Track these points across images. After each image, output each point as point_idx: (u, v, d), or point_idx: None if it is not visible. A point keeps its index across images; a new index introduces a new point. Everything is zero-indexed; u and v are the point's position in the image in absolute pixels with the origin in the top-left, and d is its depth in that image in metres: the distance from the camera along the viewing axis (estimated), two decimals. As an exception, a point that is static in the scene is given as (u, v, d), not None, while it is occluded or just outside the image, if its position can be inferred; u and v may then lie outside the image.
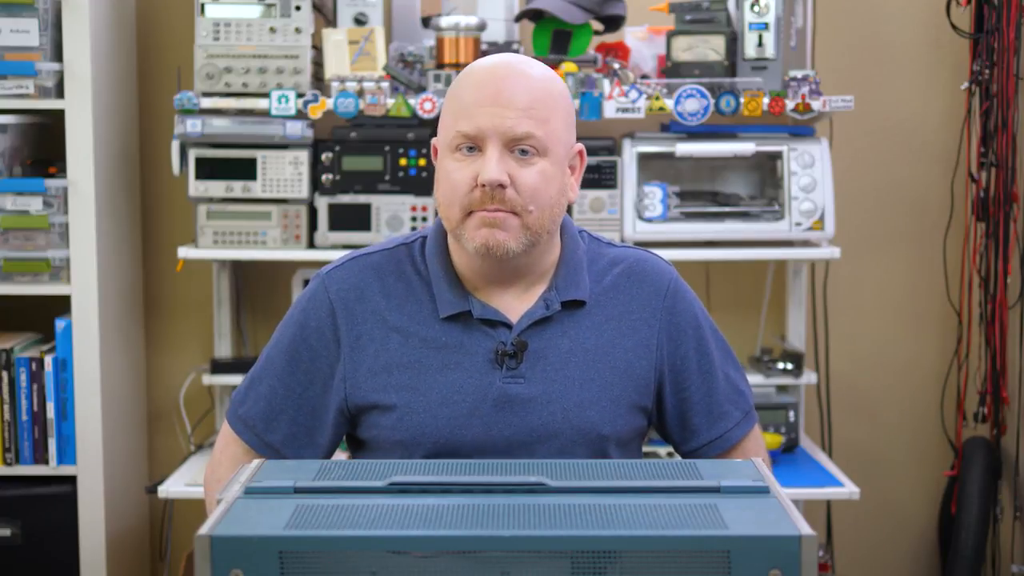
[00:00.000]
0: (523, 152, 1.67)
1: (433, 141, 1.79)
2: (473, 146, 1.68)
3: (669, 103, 2.94)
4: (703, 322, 1.85)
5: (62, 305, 2.96)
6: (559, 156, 1.71)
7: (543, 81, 1.71)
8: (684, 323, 1.83)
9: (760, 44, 3.00)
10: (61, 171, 2.96)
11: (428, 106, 2.91)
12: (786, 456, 3.08)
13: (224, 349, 3.27)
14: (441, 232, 1.79)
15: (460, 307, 1.75)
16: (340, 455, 1.98)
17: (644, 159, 3.04)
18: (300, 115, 2.94)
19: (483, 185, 1.66)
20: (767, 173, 3.15)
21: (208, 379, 3.17)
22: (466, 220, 1.69)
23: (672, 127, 3.06)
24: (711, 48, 3.02)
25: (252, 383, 1.83)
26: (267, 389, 1.81)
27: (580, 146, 1.78)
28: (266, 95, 2.92)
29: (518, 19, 3.13)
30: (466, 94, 1.70)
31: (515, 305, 1.76)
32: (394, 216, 3.00)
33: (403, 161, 3.01)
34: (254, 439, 1.81)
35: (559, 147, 1.71)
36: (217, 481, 1.78)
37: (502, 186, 1.66)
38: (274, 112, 2.92)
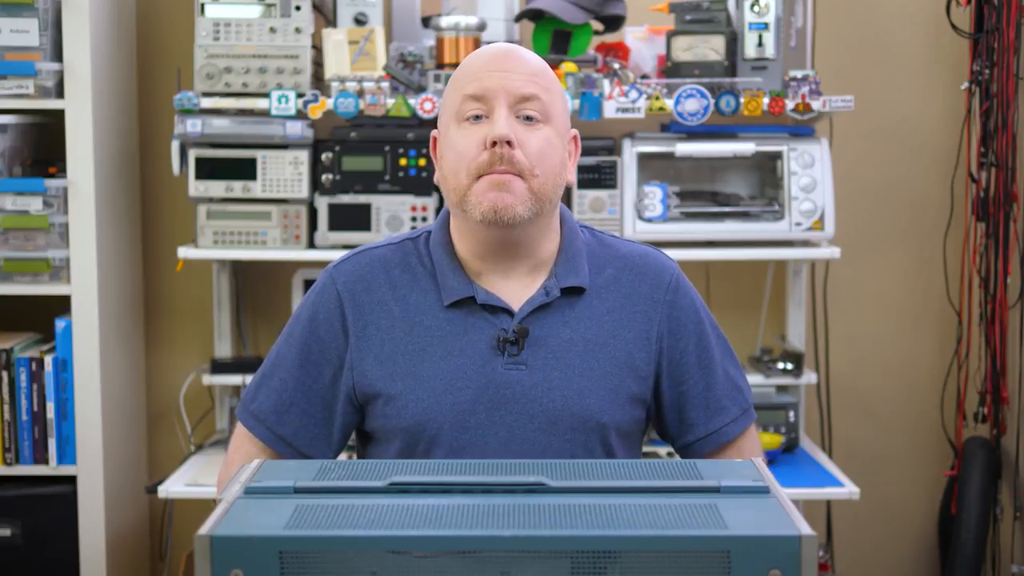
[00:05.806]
0: (528, 118, 1.73)
1: (433, 133, 1.83)
2: (480, 115, 1.73)
3: (669, 103, 2.94)
4: (704, 318, 1.87)
5: (62, 305, 2.96)
6: (560, 129, 1.77)
7: (542, 61, 1.80)
8: (685, 318, 1.84)
9: (760, 44, 3.00)
10: (61, 171, 2.96)
11: (428, 106, 2.91)
12: (786, 456, 3.08)
13: (224, 349, 3.28)
14: (445, 223, 1.83)
15: (464, 292, 1.78)
16: (342, 455, 1.98)
17: (644, 159, 3.04)
18: (300, 115, 2.94)
19: (493, 144, 1.69)
20: (767, 173, 3.14)
21: (208, 379, 3.17)
22: (473, 185, 1.72)
23: (672, 127, 3.06)
24: (711, 48, 3.02)
25: (263, 379, 1.85)
26: (278, 383, 1.83)
27: (575, 131, 1.84)
28: (266, 95, 2.92)
29: (518, 19, 3.13)
30: (472, 67, 1.76)
31: (518, 292, 1.79)
32: (394, 216, 2.99)
33: (403, 161, 3.01)
34: (265, 432, 1.83)
35: (560, 120, 1.77)
36: None
37: (510, 144, 1.70)
38: (274, 112, 2.92)
